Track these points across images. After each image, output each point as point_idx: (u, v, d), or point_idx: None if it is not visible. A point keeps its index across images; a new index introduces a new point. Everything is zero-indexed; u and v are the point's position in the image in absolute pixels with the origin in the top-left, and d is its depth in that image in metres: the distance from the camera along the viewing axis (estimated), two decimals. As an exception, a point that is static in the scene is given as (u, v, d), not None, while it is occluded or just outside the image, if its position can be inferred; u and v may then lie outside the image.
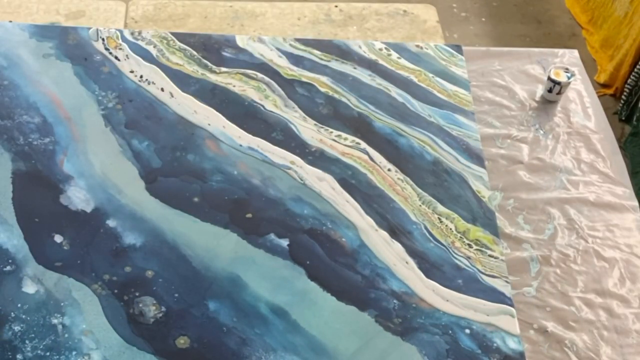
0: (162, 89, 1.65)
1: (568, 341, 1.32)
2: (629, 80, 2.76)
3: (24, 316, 1.24)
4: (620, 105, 2.77)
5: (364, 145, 1.59)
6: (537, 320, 1.35)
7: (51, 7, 3.06)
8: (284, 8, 3.06)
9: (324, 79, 1.73)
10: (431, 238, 1.44)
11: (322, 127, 1.62)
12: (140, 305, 1.28)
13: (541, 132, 1.68)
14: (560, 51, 1.91)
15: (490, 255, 1.43)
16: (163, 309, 1.28)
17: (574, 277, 1.41)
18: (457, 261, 1.41)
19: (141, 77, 1.67)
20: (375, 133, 1.63)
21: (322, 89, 1.70)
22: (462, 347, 1.28)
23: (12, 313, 1.24)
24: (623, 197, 1.56)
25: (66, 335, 1.22)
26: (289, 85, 1.70)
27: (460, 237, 1.45)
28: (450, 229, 1.47)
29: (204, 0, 3.34)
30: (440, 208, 1.50)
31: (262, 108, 1.64)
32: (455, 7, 3.52)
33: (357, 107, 1.68)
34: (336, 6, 3.06)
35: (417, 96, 1.73)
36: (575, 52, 1.90)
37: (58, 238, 1.36)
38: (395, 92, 1.73)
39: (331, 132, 1.61)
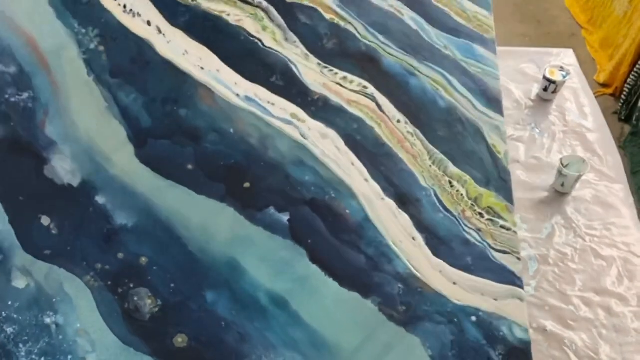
0: (149, 23, 1.48)
1: (567, 340, 1.29)
2: (629, 80, 2.71)
3: (15, 316, 1.20)
4: (620, 104, 2.71)
5: (371, 89, 1.46)
6: (536, 319, 1.32)
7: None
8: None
9: (329, 2, 1.55)
10: (441, 207, 1.36)
11: (325, 68, 1.47)
12: (136, 298, 1.24)
13: (537, 130, 1.59)
14: (555, 50, 1.83)
15: (502, 227, 1.35)
16: (159, 302, 1.24)
17: (572, 276, 1.37)
18: (467, 235, 1.34)
19: (125, 7, 1.49)
20: (384, 73, 1.48)
21: (327, 15, 1.53)
22: (467, 338, 1.25)
23: (3, 313, 1.20)
24: (620, 195, 1.50)
25: (60, 337, 1.19)
26: (289, 12, 1.53)
27: (472, 204, 1.37)
28: (462, 194, 1.38)
29: None
30: (452, 169, 1.40)
31: (260, 44, 1.49)
32: (455, 4, 3.25)
33: (365, 39, 1.52)
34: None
35: (433, 21, 1.56)
36: (571, 51, 1.82)
37: (45, 220, 1.28)
38: (408, 16, 1.56)
39: (336, 73, 1.47)
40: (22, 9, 1.47)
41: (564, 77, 1.71)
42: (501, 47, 1.56)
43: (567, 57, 1.83)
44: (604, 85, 2.90)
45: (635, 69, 2.67)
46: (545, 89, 1.72)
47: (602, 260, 1.41)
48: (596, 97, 1.78)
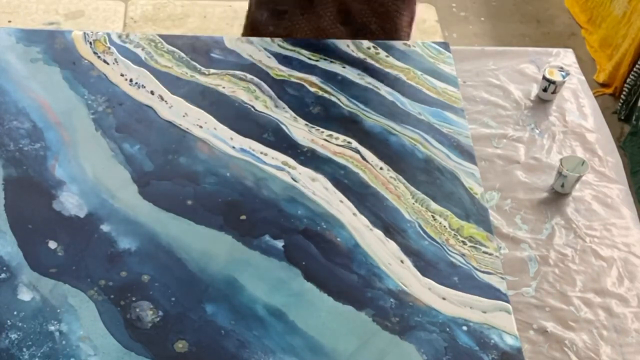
0: (152, 92, 1.64)
1: (568, 341, 1.32)
2: (628, 80, 2.76)
3: (20, 324, 1.23)
4: (620, 104, 2.78)
5: (355, 144, 1.60)
6: (536, 320, 1.35)
7: (50, 7, 3.02)
8: (283, 8, 3.04)
9: (313, 78, 1.73)
10: (425, 236, 1.45)
11: (313, 127, 1.62)
12: (137, 310, 1.27)
13: (537, 131, 1.68)
14: (555, 50, 1.92)
15: (484, 252, 1.43)
16: (160, 313, 1.27)
17: (572, 277, 1.42)
18: (452, 258, 1.41)
19: (130, 80, 1.66)
20: (366, 132, 1.63)
21: (312, 89, 1.70)
22: (460, 345, 1.29)
23: (9, 321, 1.23)
24: (620, 195, 1.57)
25: (64, 342, 1.22)
26: (278, 86, 1.70)
27: (455, 234, 1.46)
28: (444, 226, 1.47)
29: (203, 0, 3.32)
30: (434, 206, 1.51)
31: (252, 109, 1.64)
32: (455, 6, 3.53)
33: (347, 107, 1.68)
34: (335, 6, 3.05)
35: (407, 94, 1.74)
36: (570, 51, 1.91)
37: (52, 244, 1.35)
38: (384, 90, 1.74)
39: (322, 131, 1.61)
40: (37, 80, 1.63)
41: (564, 77, 1.76)
42: (500, 47, 1.62)
43: (566, 57, 1.89)
44: (604, 85, 2.89)
45: (634, 69, 2.71)
46: (545, 90, 1.78)
47: (603, 260, 1.44)
48: (596, 97, 1.83)
